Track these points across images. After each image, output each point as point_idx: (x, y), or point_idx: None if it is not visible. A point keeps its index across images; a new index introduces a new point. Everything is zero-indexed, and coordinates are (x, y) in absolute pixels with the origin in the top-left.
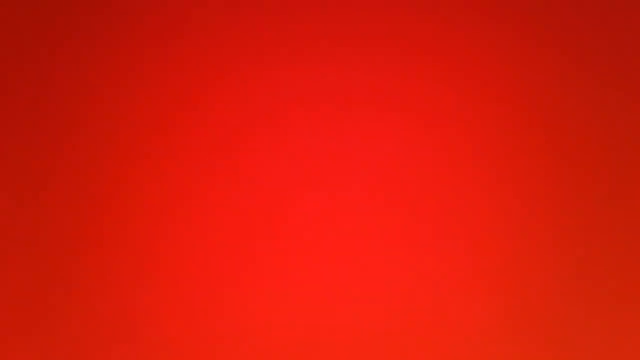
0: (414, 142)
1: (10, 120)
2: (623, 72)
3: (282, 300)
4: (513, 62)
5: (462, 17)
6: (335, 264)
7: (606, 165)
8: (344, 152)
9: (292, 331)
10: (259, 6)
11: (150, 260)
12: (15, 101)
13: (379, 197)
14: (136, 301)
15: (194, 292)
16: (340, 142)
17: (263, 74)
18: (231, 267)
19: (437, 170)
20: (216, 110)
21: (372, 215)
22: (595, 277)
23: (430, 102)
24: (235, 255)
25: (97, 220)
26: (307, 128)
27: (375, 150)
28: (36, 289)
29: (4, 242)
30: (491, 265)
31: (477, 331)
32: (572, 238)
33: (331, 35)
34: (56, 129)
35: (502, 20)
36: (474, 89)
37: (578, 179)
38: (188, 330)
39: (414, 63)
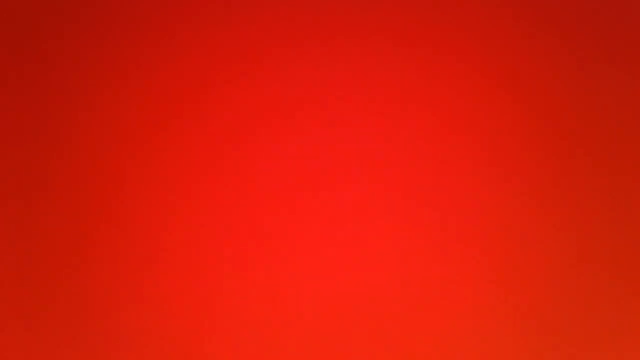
0: (418, 141)
1: (7, 120)
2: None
3: (285, 300)
4: (521, 60)
5: (467, 13)
6: (339, 263)
7: (612, 164)
8: (348, 150)
9: (293, 330)
10: (262, 3)
11: (150, 259)
12: (13, 100)
13: (383, 194)
14: (135, 300)
15: (196, 292)
16: (345, 140)
17: (266, 71)
18: (234, 267)
19: (442, 169)
20: (217, 108)
21: (376, 214)
22: (598, 275)
23: (434, 102)
24: (238, 255)
25: (98, 218)
26: (311, 126)
27: (378, 147)
28: (34, 288)
29: (2, 241)
30: (496, 264)
31: (481, 330)
32: (575, 235)
33: (336, 31)
34: (55, 128)
35: (508, 16)
36: (476, 87)
37: (583, 177)
38: (188, 330)
39: (419, 61)
